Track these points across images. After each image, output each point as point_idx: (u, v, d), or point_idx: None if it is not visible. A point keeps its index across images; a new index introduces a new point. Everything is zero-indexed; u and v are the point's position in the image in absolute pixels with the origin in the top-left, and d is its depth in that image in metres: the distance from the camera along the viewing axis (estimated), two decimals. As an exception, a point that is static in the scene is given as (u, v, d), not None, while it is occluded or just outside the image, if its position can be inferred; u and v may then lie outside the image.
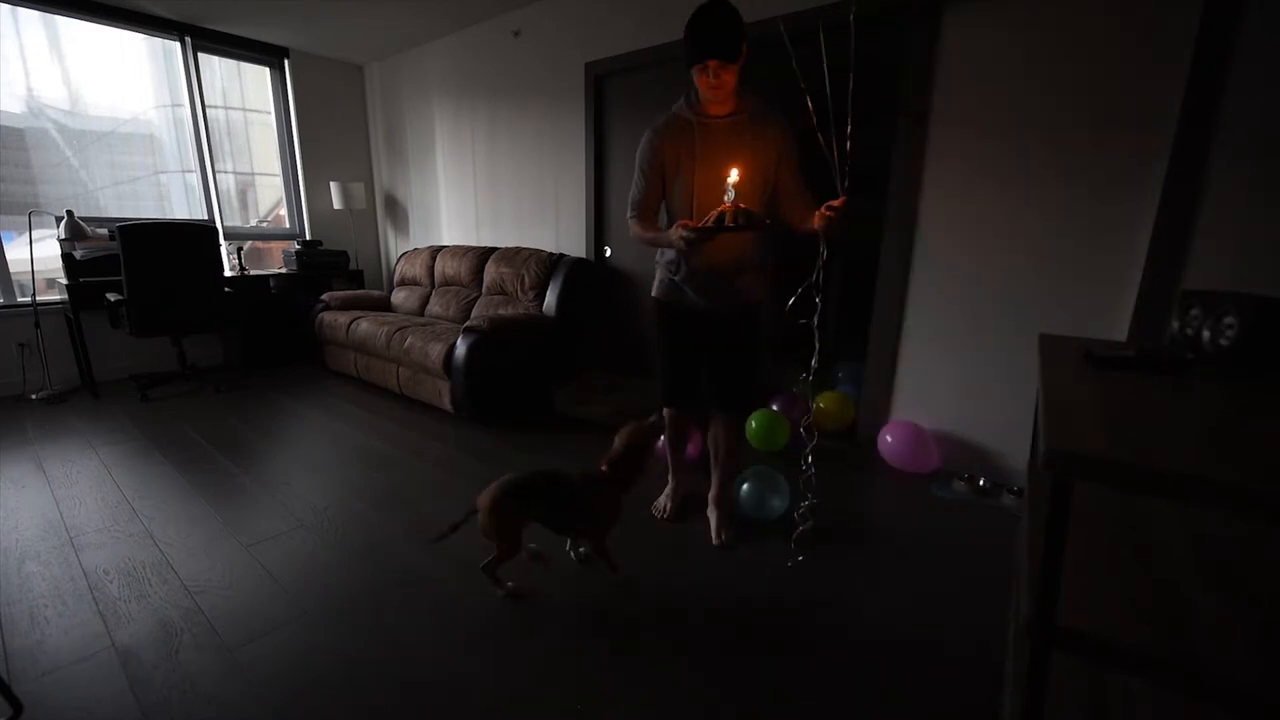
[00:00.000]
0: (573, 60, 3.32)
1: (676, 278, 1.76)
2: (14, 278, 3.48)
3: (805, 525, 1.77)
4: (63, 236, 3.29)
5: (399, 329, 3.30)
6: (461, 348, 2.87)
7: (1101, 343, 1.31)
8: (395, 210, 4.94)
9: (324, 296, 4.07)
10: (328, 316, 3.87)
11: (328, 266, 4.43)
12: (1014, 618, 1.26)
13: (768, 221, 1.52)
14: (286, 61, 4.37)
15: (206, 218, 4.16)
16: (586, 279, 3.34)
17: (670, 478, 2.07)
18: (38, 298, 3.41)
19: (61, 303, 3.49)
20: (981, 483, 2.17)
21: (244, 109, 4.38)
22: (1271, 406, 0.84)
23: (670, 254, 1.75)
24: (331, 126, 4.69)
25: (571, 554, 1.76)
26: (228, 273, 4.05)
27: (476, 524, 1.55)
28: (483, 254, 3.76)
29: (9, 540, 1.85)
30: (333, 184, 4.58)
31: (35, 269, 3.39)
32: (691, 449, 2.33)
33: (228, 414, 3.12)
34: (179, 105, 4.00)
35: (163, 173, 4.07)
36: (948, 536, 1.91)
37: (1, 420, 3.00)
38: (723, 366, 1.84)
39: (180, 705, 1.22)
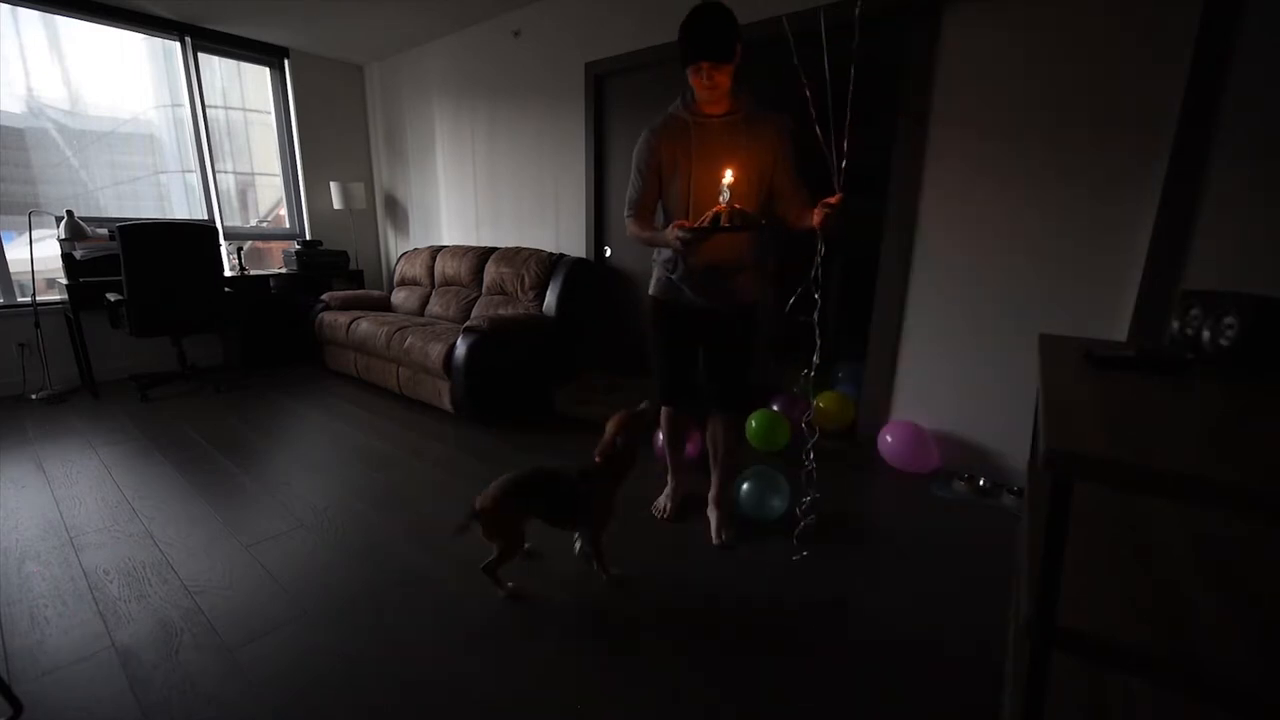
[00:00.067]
0: (573, 60, 3.32)
1: (674, 276, 1.76)
2: (14, 278, 3.48)
3: (809, 520, 1.78)
4: (63, 236, 3.29)
5: (399, 329, 3.30)
6: (461, 348, 2.87)
7: (1101, 343, 1.31)
8: (395, 210, 4.94)
9: (324, 296, 4.07)
10: (328, 316, 3.87)
11: (328, 266, 4.43)
12: (1014, 618, 1.26)
13: (763, 222, 1.53)
14: (286, 61, 4.37)
15: (206, 218, 4.16)
16: (586, 279, 3.34)
17: (670, 478, 2.07)
18: (38, 298, 3.41)
19: (61, 303, 3.49)
20: (981, 483, 2.17)
21: (244, 109, 4.38)
22: (1271, 406, 0.84)
23: (667, 253, 1.75)
24: (331, 126, 4.69)
25: (580, 555, 1.76)
26: (228, 273, 4.05)
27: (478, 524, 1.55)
28: (483, 254, 3.76)
29: (9, 540, 1.85)
30: (333, 184, 4.58)
31: (35, 269, 3.39)
32: (691, 449, 2.34)
33: (228, 414, 3.12)
34: (179, 105, 4.00)
35: (163, 173, 4.07)
36: (948, 536, 1.91)
37: (1, 420, 3.00)
38: (720, 365, 1.84)
39: (180, 705, 1.22)
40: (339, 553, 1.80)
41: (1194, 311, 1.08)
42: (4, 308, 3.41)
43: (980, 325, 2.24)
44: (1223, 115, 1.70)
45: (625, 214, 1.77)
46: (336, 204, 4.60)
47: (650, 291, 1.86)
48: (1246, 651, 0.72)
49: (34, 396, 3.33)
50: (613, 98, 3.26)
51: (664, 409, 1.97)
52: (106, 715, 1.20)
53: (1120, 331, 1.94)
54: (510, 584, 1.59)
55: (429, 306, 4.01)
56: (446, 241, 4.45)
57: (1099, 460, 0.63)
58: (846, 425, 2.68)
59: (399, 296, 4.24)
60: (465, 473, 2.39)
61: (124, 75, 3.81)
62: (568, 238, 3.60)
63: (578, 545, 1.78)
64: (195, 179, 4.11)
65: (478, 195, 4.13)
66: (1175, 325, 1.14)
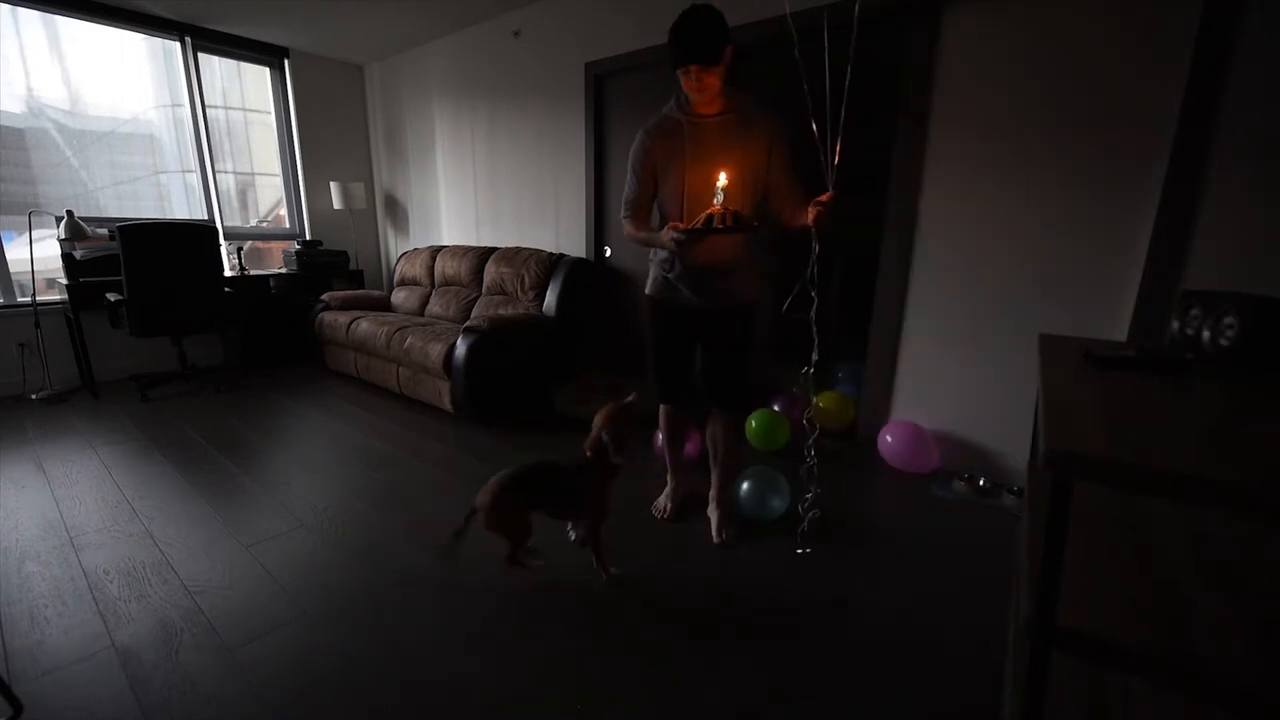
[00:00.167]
0: (573, 60, 3.32)
1: (670, 276, 1.77)
2: (14, 278, 3.48)
3: (812, 515, 1.79)
4: (63, 236, 3.29)
5: (399, 329, 3.30)
6: (461, 348, 2.87)
7: (1101, 343, 1.31)
8: (395, 210, 4.94)
9: (324, 296, 4.07)
10: (328, 316, 3.87)
11: (328, 266, 4.43)
12: (1014, 618, 1.26)
13: (756, 224, 1.54)
14: (286, 61, 4.37)
15: (206, 218, 4.16)
16: (586, 279, 3.34)
17: (670, 477, 2.07)
18: (38, 298, 3.41)
19: (61, 303, 3.49)
20: (981, 483, 2.17)
21: (244, 109, 4.38)
22: (1271, 406, 0.84)
23: (664, 252, 1.76)
24: (331, 126, 4.69)
25: (571, 534, 1.79)
26: (228, 273, 4.05)
27: (480, 523, 1.56)
28: (483, 254, 3.76)
29: (9, 540, 1.85)
30: (333, 184, 4.58)
31: (35, 269, 3.39)
32: (690, 448, 2.34)
33: (228, 414, 3.12)
34: (179, 105, 4.00)
35: (163, 173, 4.07)
36: (948, 536, 1.91)
37: (1, 420, 3.00)
38: (718, 365, 1.84)
39: (180, 705, 1.22)
40: (339, 553, 1.80)
41: (1194, 311, 1.08)
42: (4, 308, 3.41)
43: (980, 325, 2.24)
44: (1223, 115, 1.70)
45: (622, 215, 1.79)
46: (336, 204, 4.60)
47: (647, 291, 1.87)
48: (1246, 651, 0.72)
49: (34, 396, 3.33)
50: (613, 98, 3.26)
51: (663, 408, 1.97)
52: (106, 715, 1.20)
53: (1120, 331, 1.94)
54: (538, 562, 1.64)
55: (429, 306, 4.01)
56: (446, 241, 4.45)
57: (1099, 460, 0.63)
58: (846, 425, 2.68)
59: (399, 296, 4.24)
60: (465, 473, 2.39)
61: (124, 75, 3.81)
62: (568, 238, 3.60)
63: (571, 534, 1.81)
64: (195, 179, 4.11)
65: (478, 195, 4.13)
66: (1175, 325, 1.14)
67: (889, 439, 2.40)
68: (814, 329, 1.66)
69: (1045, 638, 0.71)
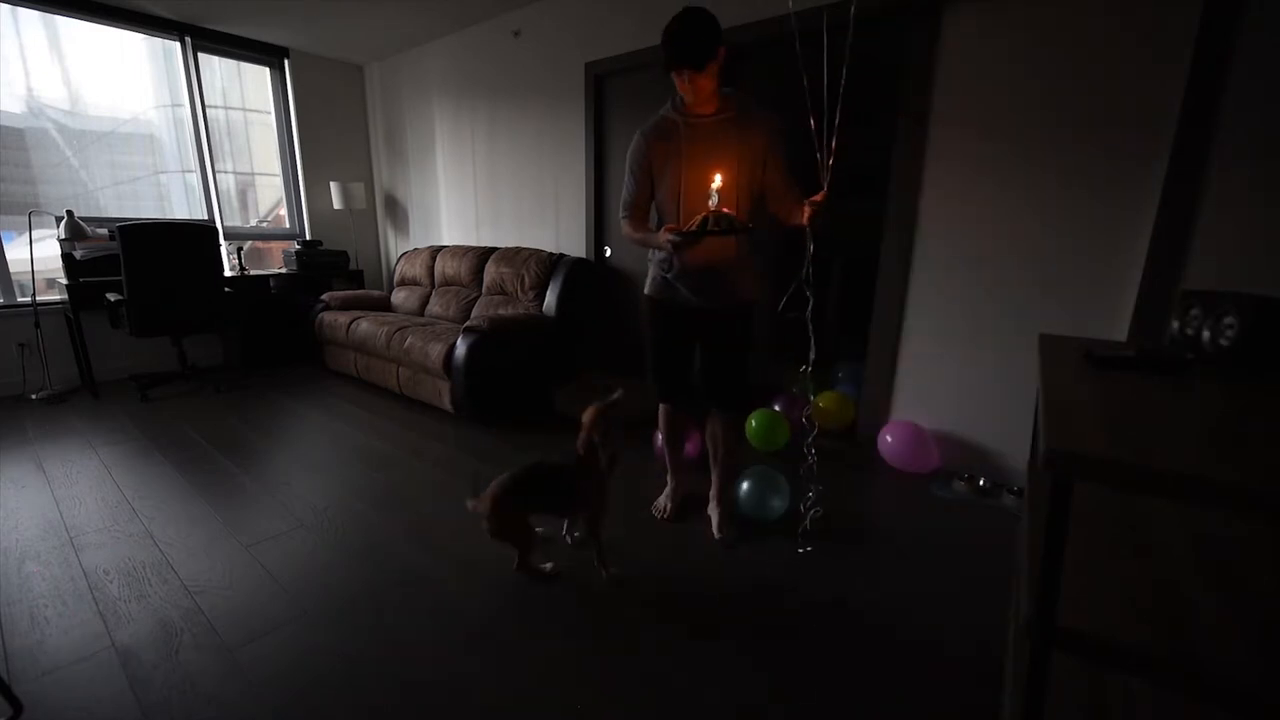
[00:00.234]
0: (573, 60, 3.32)
1: (669, 275, 1.78)
2: (14, 278, 3.48)
3: (814, 512, 1.79)
4: (63, 236, 3.29)
5: (399, 329, 3.30)
6: (461, 348, 2.87)
7: (1101, 343, 1.31)
8: (395, 210, 4.94)
9: (324, 296, 4.07)
10: (328, 316, 3.87)
11: (328, 266, 4.42)
12: (1014, 618, 1.26)
13: (749, 226, 1.56)
14: (286, 61, 4.37)
15: (206, 218, 4.16)
16: (586, 279, 3.34)
17: (670, 478, 2.07)
18: (38, 298, 3.41)
19: (61, 303, 3.49)
20: (981, 483, 2.17)
21: (244, 109, 4.38)
22: (1271, 406, 0.84)
23: (662, 252, 1.77)
24: (331, 126, 4.69)
25: (568, 538, 1.80)
26: (228, 273, 4.05)
27: (483, 530, 1.57)
28: (483, 254, 3.76)
29: (9, 540, 1.85)
30: (333, 184, 4.58)
31: (35, 269, 3.39)
32: (690, 448, 2.34)
33: (228, 414, 3.12)
34: (179, 105, 4.00)
35: (163, 173, 4.07)
36: (948, 536, 1.91)
37: (1, 420, 3.00)
38: (717, 364, 1.84)
39: (180, 705, 1.22)
40: (339, 553, 1.80)
41: (1194, 311, 1.08)
42: (4, 308, 3.41)
43: (980, 325, 2.24)
44: (1223, 115, 1.70)
45: (620, 215, 1.80)
46: (336, 204, 4.60)
47: (646, 291, 1.88)
48: (1246, 651, 0.72)
49: (34, 396, 3.33)
50: (613, 98, 3.26)
51: (662, 408, 1.97)
52: (106, 715, 1.20)
53: (1120, 331, 1.94)
54: (548, 564, 1.65)
55: (429, 306, 4.01)
56: (446, 241, 4.45)
57: (1099, 460, 0.63)
58: (846, 425, 2.68)
59: (399, 296, 4.24)
60: (465, 473, 2.39)
61: (124, 75, 3.81)
62: (568, 238, 3.60)
63: (567, 538, 1.82)
64: (195, 179, 4.11)
65: (478, 195, 4.13)
66: (1175, 325, 1.14)
67: (889, 439, 2.40)
68: (810, 328, 1.68)
69: (1045, 638, 0.71)
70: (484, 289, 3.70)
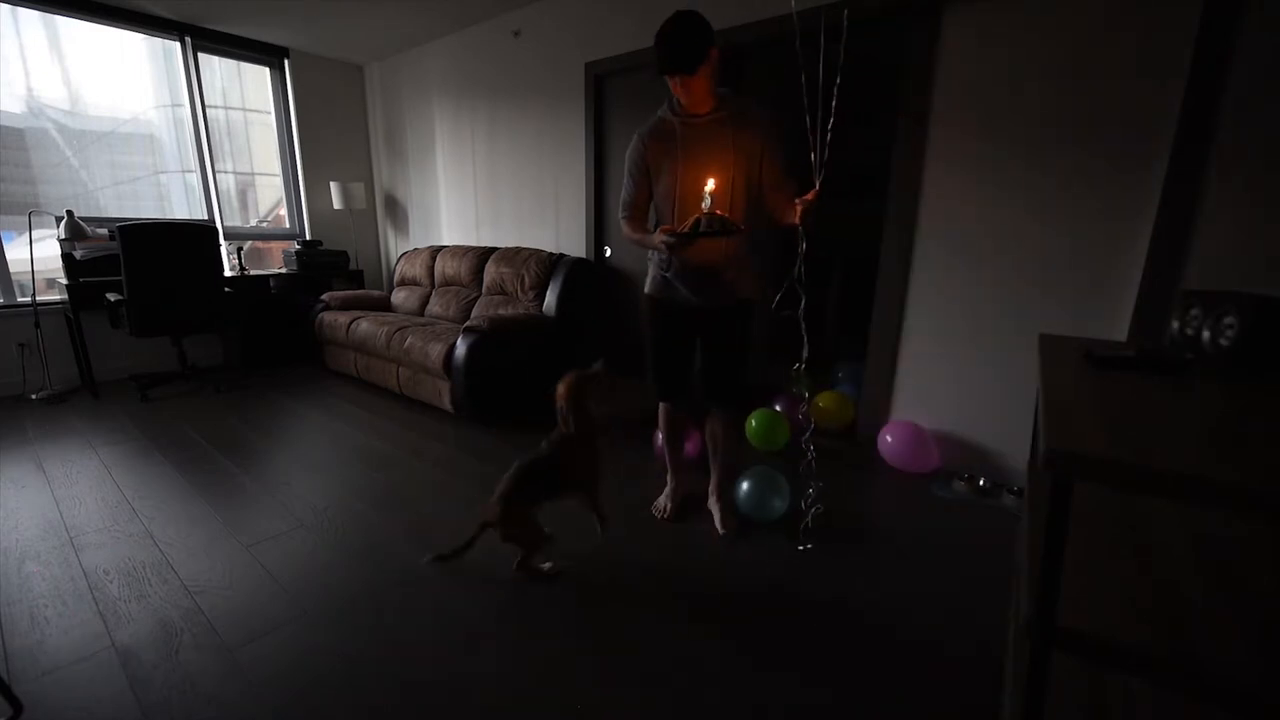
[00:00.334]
0: (573, 60, 3.32)
1: (668, 274, 1.79)
2: (14, 278, 3.48)
3: (815, 509, 1.79)
4: (63, 236, 3.29)
5: (399, 329, 3.30)
6: (461, 348, 2.87)
7: (1101, 343, 1.31)
8: (395, 210, 4.94)
9: (324, 296, 4.07)
10: (328, 316, 3.87)
11: (328, 266, 4.42)
12: (1014, 618, 1.26)
13: (741, 228, 1.57)
14: (286, 61, 4.37)
15: (206, 218, 4.16)
16: (586, 279, 3.34)
17: (670, 478, 2.07)
18: (38, 298, 3.41)
19: (61, 303, 3.49)
20: (981, 483, 2.17)
21: (244, 109, 4.38)
22: (1271, 406, 0.84)
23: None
24: (331, 126, 4.69)
25: (597, 526, 1.75)
26: (228, 273, 4.05)
27: (497, 537, 1.58)
28: (483, 254, 3.76)
29: (9, 540, 1.85)
30: (333, 184, 4.58)
31: (35, 269, 3.39)
32: (690, 448, 2.34)
33: (228, 414, 3.12)
34: (179, 105, 4.00)
35: (163, 173, 4.07)
36: (948, 536, 1.91)
37: (1, 420, 3.00)
38: (716, 363, 1.85)
39: (180, 705, 1.22)
40: (339, 553, 1.80)
41: (1194, 311, 1.08)
42: (4, 308, 3.41)
43: (980, 325, 2.24)
44: (1222, 115, 1.70)
45: (620, 215, 1.82)
46: (336, 204, 4.60)
47: (646, 290, 1.89)
48: (1246, 651, 0.72)
49: (34, 396, 3.33)
50: (613, 98, 3.26)
51: (662, 408, 1.98)
52: (106, 715, 1.19)
53: (1120, 331, 1.94)
54: (547, 564, 1.66)
55: (429, 306, 4.01)
56: (446, 241, 4.45)
57: (1099, 460, 0.63)
58: (846, 425, 2.68)
59: (399, 296, 4.24)
60: (465, 473, 2.39)
61: (124, 75, 3.81)
62: (568, 238, 3.60)
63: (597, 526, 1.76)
64: (195, 179, 4.11)
65: (478, 195, 4.13)
66: (1175, 325, 1.14)
67: (889, 439, 2.40)
68: (802, 326, 1.69)
69: (1045, 638, 0.71)
70: (484, 289, 3.70)
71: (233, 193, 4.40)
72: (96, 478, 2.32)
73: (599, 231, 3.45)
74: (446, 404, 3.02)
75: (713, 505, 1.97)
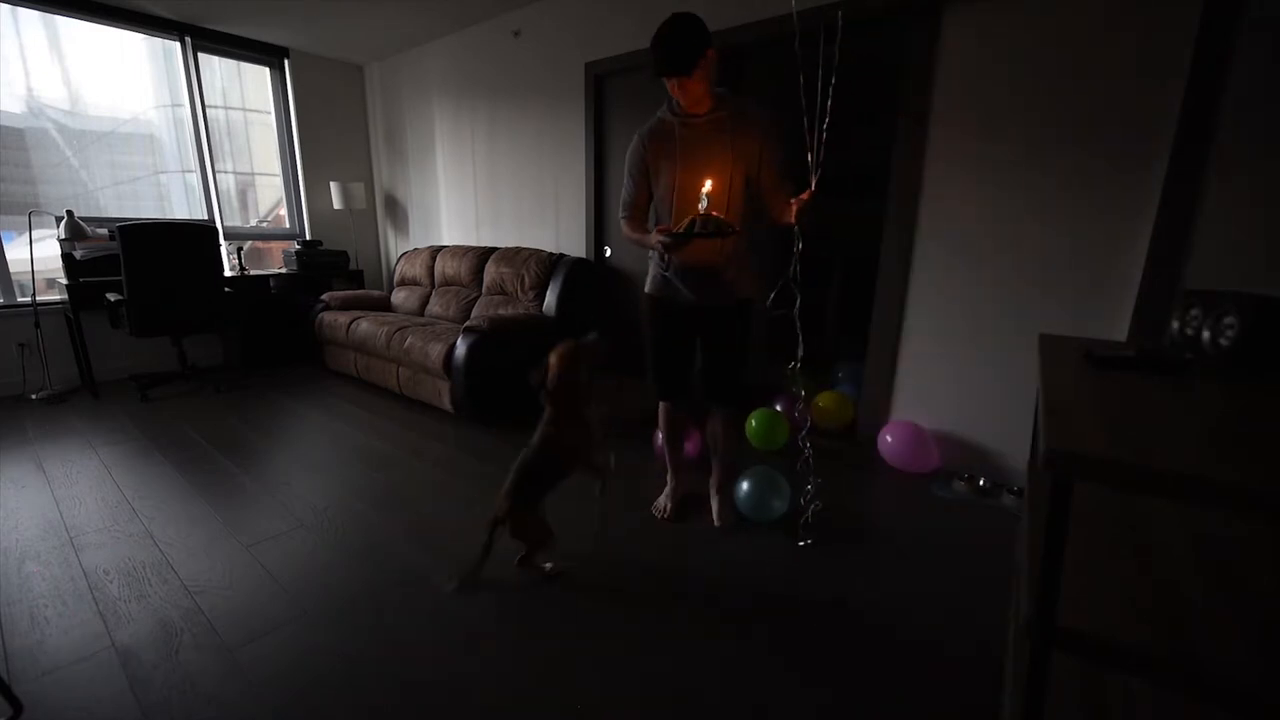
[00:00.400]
0: (573, 60, 3.32)
1: (668, 273, 1.80)
2: (14, 278, 3.48)
3: (815, 505, 1.80)
4: (63, 236, 3.29)
5: (399, 329, 3.30)
6: (461, 348, 2.87)
7: (1101, 343, 1.31)
8: (395, 210, 4.94)
9: (324, 296, 4.07)
10: (328, 316, 3.87)
11: (328, 266, 4.42)
12: (1014, 618, 1.26)
13: (737, 229, 1.57)
14: (286, 61, 4.37)
15: (206, 218, 4.16)
16: (586, 279, 3.34)
17: (670, 477, 2.07)
18: (38, 298, 3.41)
19: (61, 303, 3.49)
20: (981, 483, 2.17)
21: (244, 109, 4.38)
22: (1271, 406, 0.84)
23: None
24: (331, 126, 4.69)
25: (598, 498, 1.76)
26: (228, 273, 4.05)
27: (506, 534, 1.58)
28: (483, 254, 3.76)
29: (9, 540, 1.85)
30: (333, 184, 4.58)
31: (35, 269, 3.39)
32: (690, 448, 2.34)
33: (228, 414, 3.12)
34: (179, 105, 4.00)
35: (163, 173, 4.07)
36: (948, 536, 1.91)
37: (1, 420, 3.00)
38: (715, 362, 1.85)
39: (180, 705, 1.22)
40: (339, 553, 1.80)
41: (1194, 311, 1.08)
42: (4, 308, 3.41)
43: (980, 325, 2.24)
44: (1222, 115, 1.69)
45: (620, 215, 1.83)
46: (336, 204, 4.60)
47: (646, 289, 1.90)
48: (1246, 651, 0.72)
49: (34, 396, 3.33)
50: (613, 98, 3.26)
51: (662, 407, 1.98)
52: (106, 715, 1.19)
53: (1120, 331, 1.94)
54: (549, 565, 1.65)
55: (429, 306, 4.01)
56: (446, 241, 4.45)
57: (1099, 460, 0.63)
58: (846, 425, 2.68)
59: (399, 296, 4.24)
60: (465, 473, 2.39)
61: (124, 75, 3.81)
62: (568, 238, 3.60)
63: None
64: (195, 179, 4.11)
65: (478, 195, 4.13)
66: (1175, 325, 1.13)
67: (889, 439, 2.40)
68: (797, 325, 1.69)
69: (1045, 638, 0.71)
70: (484, 289, 3.70)
71: (233, 193, 4.40)
72: (96, 478, 2.32)
73: (599, 231, 3.45)
74: (446, 404, 3.02)
75: (713, 500, 1.98)
